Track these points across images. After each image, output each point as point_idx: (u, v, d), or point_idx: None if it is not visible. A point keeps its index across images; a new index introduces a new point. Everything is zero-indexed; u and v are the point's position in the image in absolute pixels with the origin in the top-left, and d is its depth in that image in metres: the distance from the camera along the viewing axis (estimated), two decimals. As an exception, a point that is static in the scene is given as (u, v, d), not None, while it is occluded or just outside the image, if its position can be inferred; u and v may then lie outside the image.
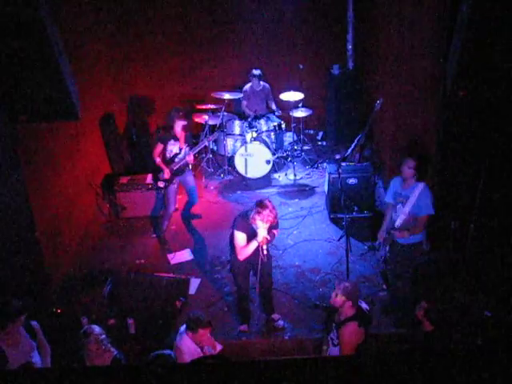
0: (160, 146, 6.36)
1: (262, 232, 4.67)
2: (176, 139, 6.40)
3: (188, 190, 6.84)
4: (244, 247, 4.76)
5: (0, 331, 3.84)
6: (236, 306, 5.44)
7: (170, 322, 5.27)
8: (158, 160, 6.38)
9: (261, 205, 4.61)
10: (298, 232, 6.87)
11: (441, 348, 3.82)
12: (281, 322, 5.29)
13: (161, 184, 6.42)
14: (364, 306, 4.23)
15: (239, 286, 5.22)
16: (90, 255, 6.56)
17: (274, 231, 4.95)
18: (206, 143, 6.66)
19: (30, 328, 4.07)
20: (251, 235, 4.76)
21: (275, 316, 5.33)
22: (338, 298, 4.06)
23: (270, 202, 4.69)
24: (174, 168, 6.40)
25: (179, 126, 6.37)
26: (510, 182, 5.04)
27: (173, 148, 6.40)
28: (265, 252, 4.80)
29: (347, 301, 4.03)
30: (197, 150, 6.78)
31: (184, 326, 4.31)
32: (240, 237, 4.77)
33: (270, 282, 5.30)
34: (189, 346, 4.22)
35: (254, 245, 4.73)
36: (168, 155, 6.40)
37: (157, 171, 6.45)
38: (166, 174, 6.34)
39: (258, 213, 4.58)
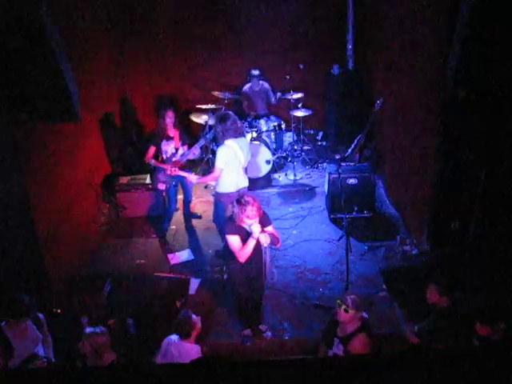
0: (152, 149, 6.28)
1: (255, 227, 4.49)
2: (169, 139, 6.25)
3: (184, 187, 6.75)
4: (242, 249, 4.57)
5: (9, 321, 3.94)
6: (237, 312, 5.32)
7: (170, 322, 5.26)
8: (154, 161, 6.25)
9: (241, 203, 4.45)
10: (298, 232, 6.87)
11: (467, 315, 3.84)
12: (268, 334, 5.16)
13: (161, 186, 6.28)
14: (364, 315, 4.12)
15: (240, 293, 5.03)
16: (89, 255, 6.57)
17: (269, 229, 4.73)
18: (208, 138, 6.53)
19: (37, 320, 4.15)
20: (245, 236, 4.60)
21: (263, 327, 5.19)
22: (350, 313, 3.96)
23: (248, 196, 4.53)
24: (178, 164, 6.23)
25: (168, 120, 6.17)
26: (511, 182, 5.04)
27: (167, 149, 6.29)
28: (265, 244, 4.57)
29: (357, 313, 3.97)
30: (200, 145, 6.35)
31: (175, 335, 4.27)
32: (234, 239, 4.59)
33: (265, 286, 5.13)
34: (191, 350, 4.20)
35: (252, 242, 4.53)
36: (164, 156, 6.30)
37: (154, 174, 6.34)
38: (169, 170, 6.05)
39: (242, 212, 4.43)
